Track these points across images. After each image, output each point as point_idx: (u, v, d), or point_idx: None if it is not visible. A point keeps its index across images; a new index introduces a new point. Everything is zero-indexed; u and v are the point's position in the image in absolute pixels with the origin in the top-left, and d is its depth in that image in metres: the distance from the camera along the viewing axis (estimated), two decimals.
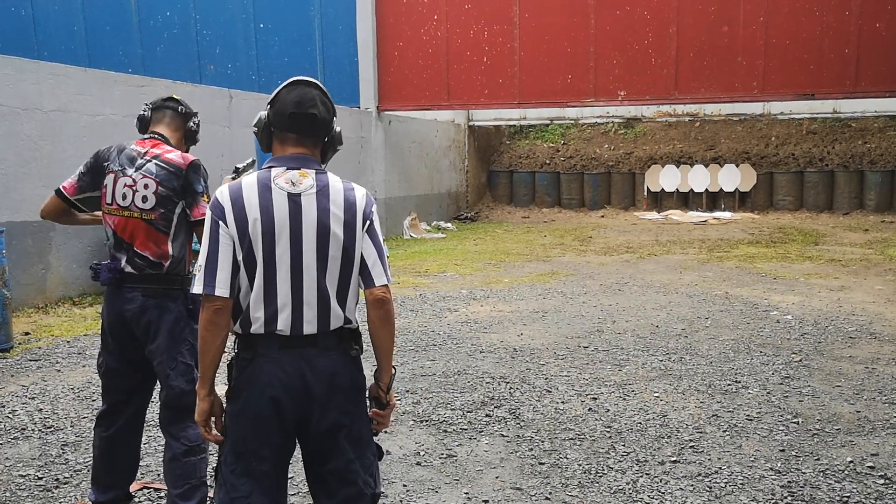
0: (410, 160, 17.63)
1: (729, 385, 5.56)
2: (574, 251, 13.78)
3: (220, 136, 11.73)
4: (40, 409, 5.16)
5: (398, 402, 5.24)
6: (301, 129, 2.40)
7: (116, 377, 3.34)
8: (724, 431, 4.66)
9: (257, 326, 2.32)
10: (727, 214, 18.76)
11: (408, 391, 5.49)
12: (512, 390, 5.48)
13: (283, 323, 2.32)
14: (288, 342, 2.33)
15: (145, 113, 3.49)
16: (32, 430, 4.78)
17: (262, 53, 16.44)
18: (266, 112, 2.43)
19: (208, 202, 3.19)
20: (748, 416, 4.93)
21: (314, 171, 2.39)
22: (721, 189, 19.53)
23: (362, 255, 2.39)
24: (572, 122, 21.50)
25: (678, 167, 20.05)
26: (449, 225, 18.40)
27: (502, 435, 4.63)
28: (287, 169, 2.37)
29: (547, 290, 9.61)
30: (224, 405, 2.43)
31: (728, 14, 13.94)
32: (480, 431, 4.69)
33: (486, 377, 5.82)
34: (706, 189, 19.63)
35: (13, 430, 4.76)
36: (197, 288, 2.31)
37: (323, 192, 2.36)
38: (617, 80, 14.66)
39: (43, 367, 6.28)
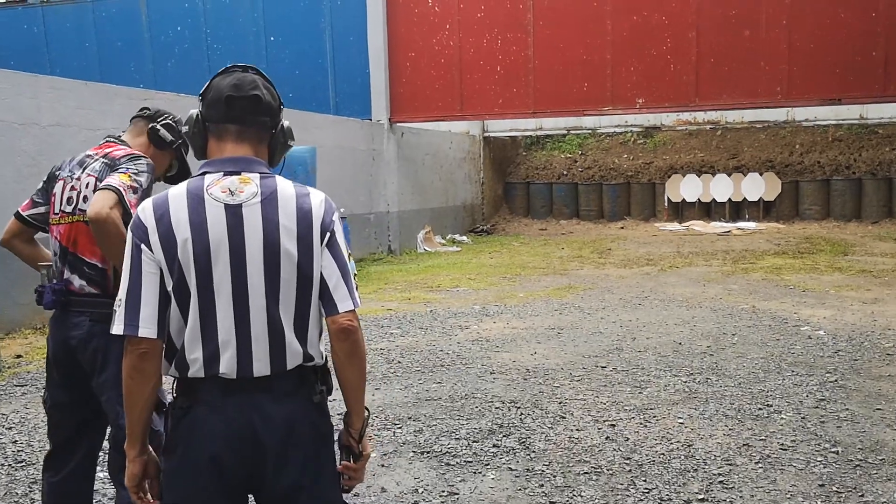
0: (424, 172, 17.30)
1: (760, 409, 5.12)
2: (592, 264, 13.35)
3: None
4: (15, 441, 4.81)
5: (399, 430, 4.85)
6: (242, 117, 1.99)
7: (64, 413, 2.97)
8: (757, 463, 4.22)
9: (196, 369, 1.91)
10: (751, 225, 18.27)
11: (410, 418, 5.08)
12: (523, 416, 5.07)
13: (227, 364, 1.91)
14: (234, 387, 1.92)
15: (122, 133, 3.25)
16: (2, 464, 4.43)
17: (273, 66, 16.17)
18: (198, 107, 2.04)
19: (129, 179, 2.82)
20: (782, 445, 4.48)
21: (259, 174, 1.98)
22: (744, 199, 19.06)
23: (322, 276, 1.97)
24: (589, 131, 21.12)
25: (699, 177, 19.59)
26: (464, 238, 18.03)
27: (510, 468, 4.22)
28: (224, 174, 1.96)
29: (563, 306, 9.19)
30: (158, 464, 2.03)
31: (750, 17, 13.49)
32: (486, 464, 4.28)
33: (495, 401, 5.41)
34: (729, 199, 19.16)
35: None
36: (116, 328, 1.90)
37: (270, 201, 1.94)
38: (635, 87, 14.24)
39: (28, 392, 5.95)
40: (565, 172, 21.47)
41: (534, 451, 4.45)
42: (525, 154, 22.58)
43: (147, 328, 1.89)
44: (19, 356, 7.17)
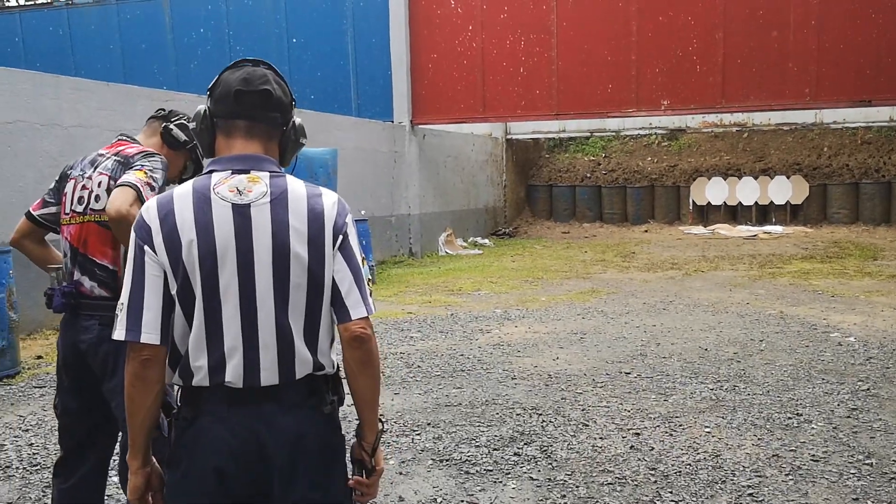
0: (446, 175, 17.21)
1: (789, 418, 4.96)
2: (616, 268, 13.18)
3: None
4: (31, 444, 4.76)
5: (417, 436, 4.74)
6: (252, 113, 1.89)
7: (75, 419, 2.90)
8: (787, 475, 4.07)
9: (200, 377, 1.82)
10: (778, 228, 17.99)
11: (429, 424, 4.98)
12: (544, 424, 4.95)
13: (233, 372, 1.81)
14: (240, 397, 1.82)
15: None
16: (17, 467, 4.38)
17: (295, 69, 16.19)
18: (206, 103, 1.94)
19: (145, 176, 2.76)
20: (813, 456, 4.33)
21: (269, 173, 1.88)
22: (771, 202, 18.77)
23: (334, 281, 1.87)
24: (613, 134, 20.93)
25: (725, 180, 19.32)
26: (486, 241, 17.91)
27: (531, 478, 4.10)
28: (232, 173, 1.86)
29: (586, 310, 9.05)
30: (162, 476, 1.94)
31: (778, 18, 13.26)
32: (507, 473, 4.17)
33: (516, 408, 5.29)
34: (755, 202, 18.87)
35: None
36: (118, 333, 1.82)
37: (280, 201, 1.84)
38: (660, 88, 14.04)
39: (47, 394, 5.91)
40: (588, 175, 21.28)
41: (556, 460, 4.33)
42: (548, 156, 22.41)
43: (150, 334, 1.80)
44: (39, 357, 7.16)
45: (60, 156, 8.66)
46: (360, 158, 13.93)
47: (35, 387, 6.15)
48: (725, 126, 19.12)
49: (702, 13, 13.67)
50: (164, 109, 3.21)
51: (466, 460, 4.35)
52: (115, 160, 2.93)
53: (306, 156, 9.27)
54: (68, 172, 3.00)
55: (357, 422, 2.01)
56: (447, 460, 4.36)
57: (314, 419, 1.88)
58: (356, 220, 1.97)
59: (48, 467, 4.35)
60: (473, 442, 4.64)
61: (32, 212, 3.05)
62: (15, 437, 4.91)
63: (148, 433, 1.89)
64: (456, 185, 17.67)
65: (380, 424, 1.98)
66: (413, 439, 4.71)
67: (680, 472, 4.14)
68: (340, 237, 1.88)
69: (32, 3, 19.16)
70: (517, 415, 5.14)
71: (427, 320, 8.60)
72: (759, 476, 4.06)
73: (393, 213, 15.17)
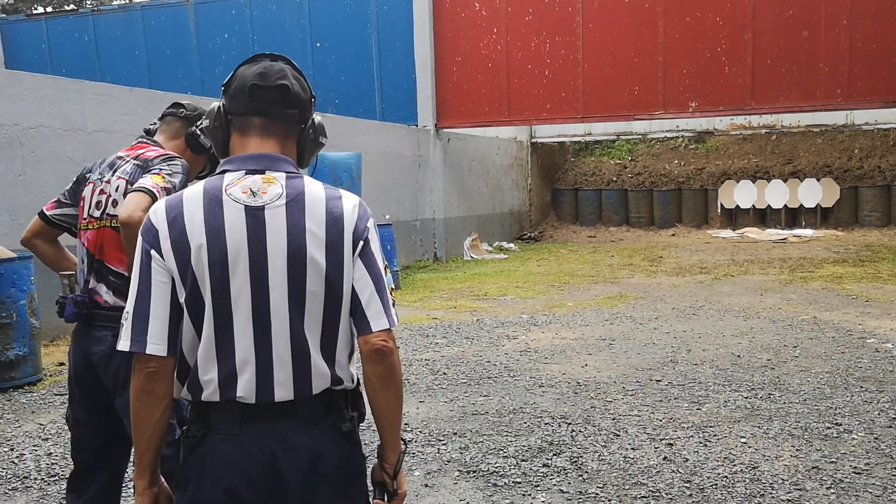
0: (471, 179, 17.09)
1: (828, 428, 4.77)
2: (643, 272, 12.97)
3: None
4: (50, 453, 4.69)
5: (443, 446, 4.62)
6: (268, 109, 1.77)
7: (87, 432, 2.80)
8: (829, 488, 3.89)
9: (210, 392, 1.70)
10: (808, 232, 17.67)
11: (455, 433, 4.85)
12: (574, 433, 4.80)
13: (245, 387, 1.69)
14: (253, 413, 1.70)
15: (151, 125, 3.08)
16: (35, 478, 4.30)
17: (319, 73, 16.15)
18: (221, 99, 1.82)
19: (163, 180, 2.64)
20: (855, 468, 4.15)
21: (285, 174, 1.75)
22: (801, 205, 18.45)
23: (353, 289, 1.74)
24: (640, 137, 20.69)
25: (754, 182, 19.02)
26: (511, 245, 17.76)
27: (561, 490, 3.95)
28: (245, 173, 1.74)
29: (614, 315, 8.87)
30: (171, 497, 1.82)
31: (808, 17, 13.00)
32: (536, 486, 4.02)
33: (545, 416, 5.14)
34: (785, 205, 18.56)
35: (14, 479, 4.29)
36: (122, 343, 1.70)
37: (296, 203, 1.71)
38: (687, 90, 13.83)
39: (67, 402, 5.85)
40: (615, 178, 21.07)
41: (586, 472, 4.18)
42: (573, 160, 22.23)
43: (156, 344, 1.68)
44: (61, 364, 7.11)
45: (84, 161, 8.62)
46: (385, 163, 13.85)
47: (56, 394, 6.10)
48: (754, 128, 18.82)
49: (730, 13, 13.45)
50: (183, 106, 3.07)
51: (494, 472, 4.21)
52: (134, 164, 2.83)
53: (330, 160, 9.19)
54: (87, 176, 2.91)
55: (374, 431, 1.89)
56: (474, 472, 4.23)
57: (332, 437, 1.75)
58: (381, 225, 1.84)
59: (66, 478, 4.27)
60: (501, 452, 4.50)
61: (46, 211, 2.95)
62: (34, 446, 4.84)
63: (155, 451, 1.77)
64: (481, 189, 17.54)
65: (402, 444, 1.85)
66: (439, 449, 4.58)
67: (716, 485, 3.97)
68: (361, 243, 1.75)
69: (58, 10, 19.29)
70: (546, 424, 5.00)
71: (452, 326, 8.47)
72: (800, 489, 3.89)
73: (417, 217, 15.07)
